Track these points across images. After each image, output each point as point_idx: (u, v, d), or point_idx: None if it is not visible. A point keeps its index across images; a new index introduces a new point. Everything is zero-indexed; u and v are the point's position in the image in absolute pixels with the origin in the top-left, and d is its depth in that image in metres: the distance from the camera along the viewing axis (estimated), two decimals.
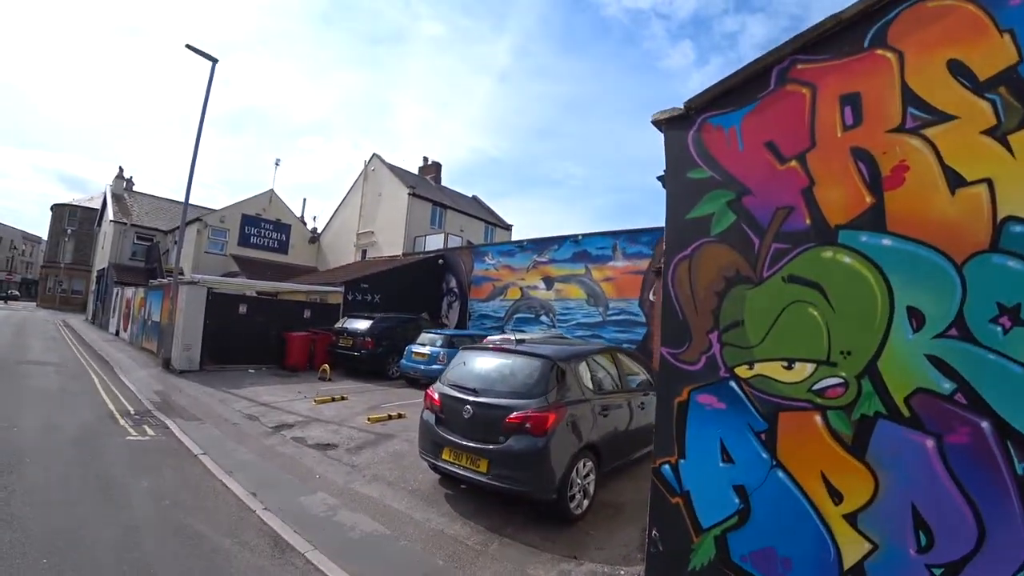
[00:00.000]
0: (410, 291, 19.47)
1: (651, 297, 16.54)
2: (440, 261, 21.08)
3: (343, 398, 10.90)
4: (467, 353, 6.20)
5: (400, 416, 9.48)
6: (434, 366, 12.91)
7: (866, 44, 4.08)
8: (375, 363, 14.27)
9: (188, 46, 12.85)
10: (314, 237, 27.78)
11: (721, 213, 4.46)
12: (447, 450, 5.40)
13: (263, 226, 25.42)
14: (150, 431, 7.55)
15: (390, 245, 23.73)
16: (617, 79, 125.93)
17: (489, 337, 12.36)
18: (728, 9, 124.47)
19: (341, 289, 17.23)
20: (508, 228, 30.84)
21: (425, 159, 29.29)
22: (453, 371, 6.01)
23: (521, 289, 18.86)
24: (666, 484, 4.31)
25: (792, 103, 4.27)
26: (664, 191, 5.83)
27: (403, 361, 13.67)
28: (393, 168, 25.26)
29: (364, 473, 6.27)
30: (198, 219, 22.89)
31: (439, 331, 14.58)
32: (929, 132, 3.82)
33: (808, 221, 4.08)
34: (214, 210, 24.49)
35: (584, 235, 17.86)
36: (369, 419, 8.95)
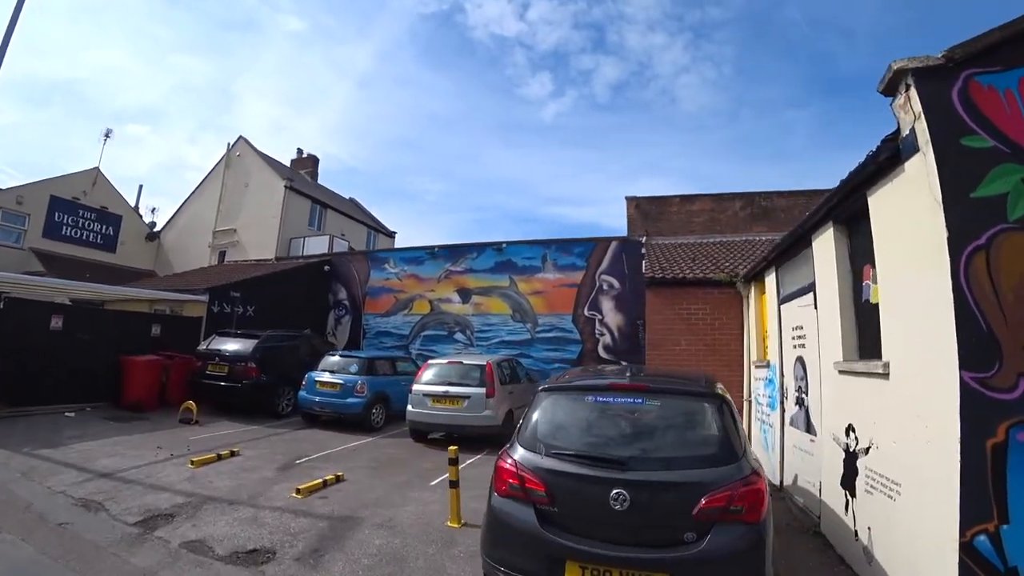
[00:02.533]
0: (289, 303, 15.86)
1: (586, 312, 15.08)
2: (326, 268, 17.67)
3: (233, 453, 7.55)
4: (561, 398, 3.79)
5: (339, 479, 6.57)
6: (350, 399, 9.99)
7: None
8: (261, 397, 10.76)
9: None
10: (153, 234, 22.02)
11: (1018, 194, 3.28)
12: (576, 568, 3.01)
13: (82, 214, 19.30)
14: None
15: (258, 247, 19.53)
16: (477, 99, 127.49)
17: (432, 361, 9.79)
18: (586, 48, 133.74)
19: (204, 298, 13.19)
20: (391, 235, 27.79)
21: (299, 151, 25.12)
22: (546, 428, 3.60)
23: (431, 302, 16.32)
24: (982, 562, 3.01)
25: None
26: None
27: (303, 394, 10.43)
28: (265, 156, 21.02)
29: None
30: None
31: (351, 353, 11.52)
32: None
33: None
34: (2, 190, 18.05)
35: (508, 243, 15.95)
36: (298, 490, 5.93)
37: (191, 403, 9.82)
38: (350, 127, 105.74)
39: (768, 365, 8.12)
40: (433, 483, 6.78)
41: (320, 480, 6.34)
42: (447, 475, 7.13)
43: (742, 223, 15.84)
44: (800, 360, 6.48)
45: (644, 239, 15.15)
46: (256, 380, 10.59)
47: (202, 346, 11.54)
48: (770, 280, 8.09)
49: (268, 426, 10.06)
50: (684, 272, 10.48)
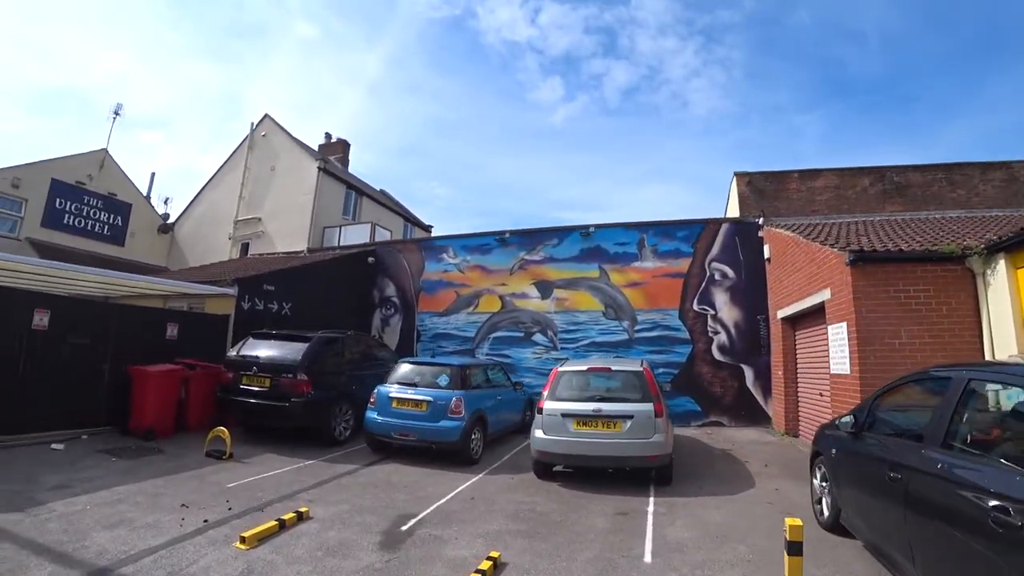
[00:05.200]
0: (328, 300, 13.20)
1: (695, 307, 12.27)
2: (371, 259, 14.98)
3: (301, 516, 4.77)
4: None
5: (497, 565, 3.83)
6: (444, 423, 7.24)
7: None
8: (314, 418, 8.02)
9: None
10: (166, 226, 19.41)
11: None
12: None
13: (87, 201, 16.57)
14: None
15: (287, 238, 16.90)
16: (487, 104, 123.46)
17: (564, 368, 6.99)
18: (597, 52, 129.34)
19: (233, 291, 10.50)
20: (428, 229, 25.15)
21: (328, 135, 22.39)
22: None
23: (501, 298, 13.55)
24: None
25: None
26: None
27: (373, 415, 7.67)
28: (294, 138, 18.40)
29: None
30: None
31: (436, 360, 8.74)
32: None
33: None
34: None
35: (596, 226, 13.17)
36: None
37: (222, 430, 7.08)
38: (359, 133, 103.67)
39: None
40: (646, 558, 4.14)
41: (474, 573, 3.55)
42: (649, 539, 4.57)
43: (873, 201, 13.14)
44: None
45: (761, 220, 12.40)
46: (307, 397, 7.86)
47: (232, 352, 8.82)
48: None
49: (327, 460, 7.32)
50: (897, 243, 7.74)
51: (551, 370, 12.88)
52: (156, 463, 6.55)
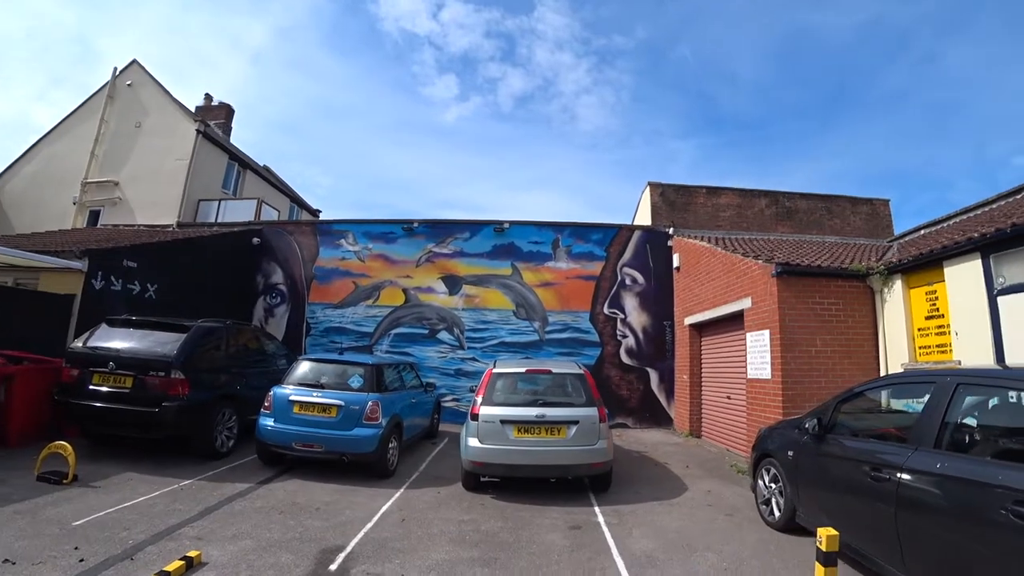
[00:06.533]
0: (202, 284, 11.41)
1: (606, 310, 12.27)
2: (256, 240, 13.23)
3: (191, 563, 3.66)
4: None
5: None
6: (358, 431, 6.35)
7: None
8: (191, 426, 6.61)
9: None
10: None
11: None
12: None
13: None
14: None
15: (151, 208, 14.39)
16: (377, 93, 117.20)
17: (498, 369, 6.36)
18: (495, 57, 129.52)
19: (81, 265, 8.52)
20: (316, 214, 23.18)
21: (208, 96, 19.44)
22: None
23: (405, 291, 12.63)
24: None
25: None
26: None
27: (269, 423, 6.49)
28: (168, 93, 15.68)
29: None
30: None
31: (345, 358, 7.58)
32: None
33: None
34: None
35: (512, 223, 12.71)
36: None
37: (62, 444, 5.52)
38: (238, 105, 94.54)
39: None
40: None
41: None
42: (616, 554, 4.19)
43: (768, 221, 14.24)
44: None
45: (671, 230, 12.75)
46: (185, 400, 6.45)
47: (78, 343, 7.05)
48: (964, 270, 6.36)
49: (208, 478, 6.03)
50: (814, 259, 8.18)
51: (456, 370, 12.44)
52: None
